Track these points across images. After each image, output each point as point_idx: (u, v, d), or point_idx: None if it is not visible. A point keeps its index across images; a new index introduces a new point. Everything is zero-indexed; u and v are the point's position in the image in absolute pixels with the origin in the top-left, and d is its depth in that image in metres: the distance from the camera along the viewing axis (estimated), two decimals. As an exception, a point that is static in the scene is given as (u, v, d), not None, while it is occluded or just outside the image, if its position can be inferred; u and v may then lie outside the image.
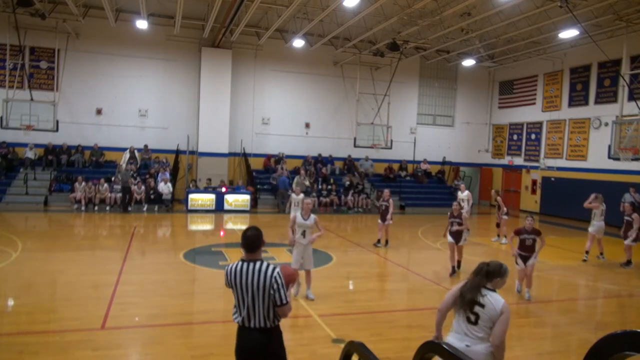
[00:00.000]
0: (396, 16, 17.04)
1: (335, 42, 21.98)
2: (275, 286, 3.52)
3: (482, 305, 3.72)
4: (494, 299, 3.73)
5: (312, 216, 7.95)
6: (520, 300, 8.72)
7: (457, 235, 10.06)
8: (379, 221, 13.08)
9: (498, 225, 14.84)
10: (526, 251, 8.53)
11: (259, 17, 19.96)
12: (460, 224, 10.05)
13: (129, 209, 17.97)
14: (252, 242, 3.64)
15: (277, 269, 3.60)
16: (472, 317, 3.74)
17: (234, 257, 10.39)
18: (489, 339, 3.67)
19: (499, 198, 14.78)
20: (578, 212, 20.38)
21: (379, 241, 13.23)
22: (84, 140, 20.46)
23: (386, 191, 13.51)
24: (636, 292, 9.60)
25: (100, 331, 6.22)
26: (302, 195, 14.48)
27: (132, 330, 6.45)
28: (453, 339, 3.77)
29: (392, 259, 11.87)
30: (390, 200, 13.10)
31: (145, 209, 18.36)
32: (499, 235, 14.72)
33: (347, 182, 21.43)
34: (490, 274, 3.88)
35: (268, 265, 3.60)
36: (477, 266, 3.97)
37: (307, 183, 20.34)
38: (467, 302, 3.77)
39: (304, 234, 7.88)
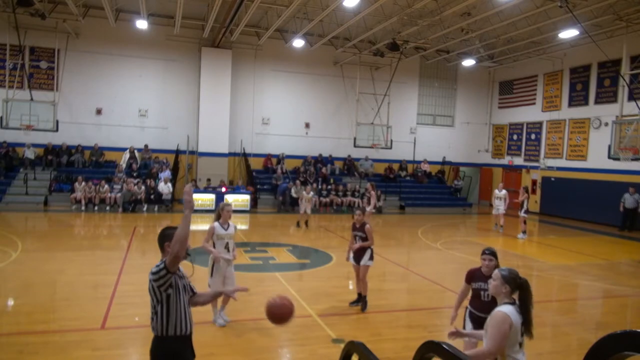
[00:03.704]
0: (396, 16, 17.04)
1: (335, 42, 21.98)
2: (152, 278, 3.28)
3: None
4: None
5: (232, 224, 6.66)
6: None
7: (359, 254, 7.42)
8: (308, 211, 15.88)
9: (524, 222, 15.75)
10: (482, 310, 4.51)
11: (259, 17, 19.97)
12: (364, 239, 7.37)
13: (129, 208, 18.01)
14: (158, 241, 3.49)
15: (156, 268, 3.28)
16: (522, 341, 3.41)
17: (234, 257, 10.38)
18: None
19: (526, 195, 15.72)
20: (578, 212, 20.49)
21: None
22: (83, 140, 20.45)
23: (368, 185, 16.27)
24: (636, 292, 9.60)
25: (100, 331, 6.22)
26: (312, 193, 16.38)
27: (132, 330, 6.45)
28: None
29: (392, 259, 11.86)
30: (372, 192, 15.52)
31: (145, 209, 18.36)
32: (524, 232, 15.66)
33: (349, 193, 21.39)
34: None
35: (157, 265, 3.34)
36: (523, 280, 3.46)
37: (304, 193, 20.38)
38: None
39: (227, 246, 6.53)
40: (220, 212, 6.55)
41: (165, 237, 3.41)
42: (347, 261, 7.75)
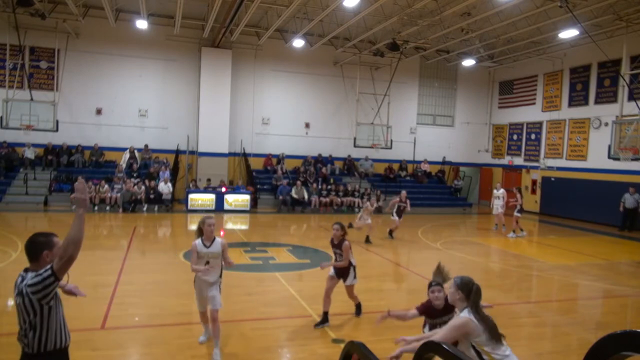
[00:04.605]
0: (396, 16, 17.04)
1: (335, 42, 21.99)
2: (33, 290, 2.93)
3: None
4: None
5: (218, 241, 5.71)
6: (518, 300, 8.74)
7: (342, 271, 6.87)
8: (396, 217, 14.47)
9: (517, 221, 15.75)
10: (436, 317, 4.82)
11: (259, 17, 19.97)
12: (342, 256, 6.79)
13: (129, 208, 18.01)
14: (27, 250, 3.08)
15: (37, 278, 2.88)
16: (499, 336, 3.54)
17: (233, 256, 10.38)
18: None
19: (518, 195, 15.87)
20: (578, 212, 20.49)
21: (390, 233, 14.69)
22: (84, 140, 20.45)
23: (403, 192, 14.96)
24: (636, 292, 9.60)
25: (100, 331, 6.22)
26: (375, 205, 15.04)
27: (132, 330, 6.45)
28: None
29: (392, 259, 11.87)
30: (408, 201, 14.69)
31: (145, 209, 18.36)
32: (514, 231, 15.63)
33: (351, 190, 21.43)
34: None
35: (35, 275, 2.95)
36: (475, 286, 3.61)
37: (305, 193, 20.40)
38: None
39: (207, 265, 5.69)
40: (201, 227, 5.72)
41: (43, 245, 3.02)
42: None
